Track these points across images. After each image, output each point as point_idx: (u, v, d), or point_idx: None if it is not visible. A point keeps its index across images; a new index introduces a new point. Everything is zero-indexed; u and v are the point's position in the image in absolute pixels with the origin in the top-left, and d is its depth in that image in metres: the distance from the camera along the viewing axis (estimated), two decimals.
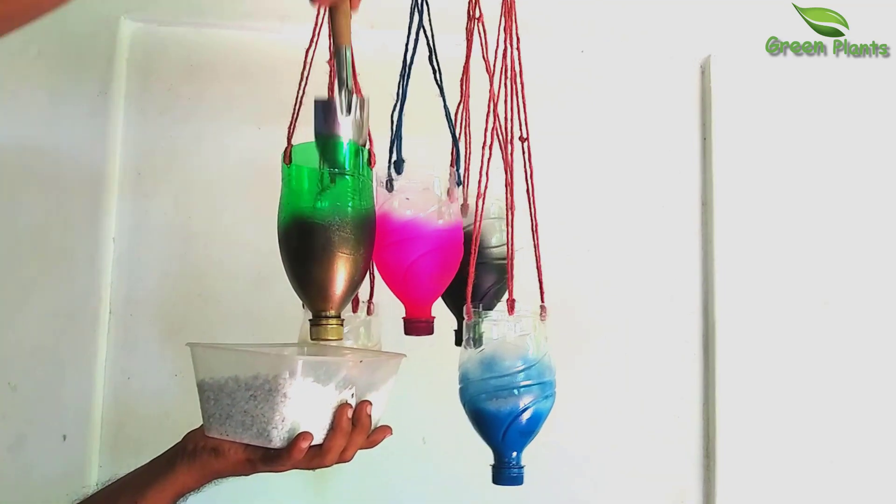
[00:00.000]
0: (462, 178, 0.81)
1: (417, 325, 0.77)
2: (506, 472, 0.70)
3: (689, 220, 1.25)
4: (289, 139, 0.72)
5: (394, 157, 0.78)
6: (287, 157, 0.71)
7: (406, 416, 1.16)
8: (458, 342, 0.79)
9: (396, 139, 0.78)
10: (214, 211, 1.19)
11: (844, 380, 1.21)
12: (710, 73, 1.25)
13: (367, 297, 0.83)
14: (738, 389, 1.19)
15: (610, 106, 1.26)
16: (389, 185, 0.75)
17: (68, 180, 1.17)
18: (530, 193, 0.77)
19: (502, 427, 0.69)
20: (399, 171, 0.76)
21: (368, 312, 0.84)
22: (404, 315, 0.78)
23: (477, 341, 0.71)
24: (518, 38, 0.77)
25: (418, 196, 0.75)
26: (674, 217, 1.24)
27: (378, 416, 0.74)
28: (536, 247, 0.76)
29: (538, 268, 0.76)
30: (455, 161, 0.81)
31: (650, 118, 1.26)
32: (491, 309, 0.75)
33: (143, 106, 1.21)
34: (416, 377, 1.14)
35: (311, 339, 0.71)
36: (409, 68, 0.81)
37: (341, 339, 0.72)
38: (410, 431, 1.17)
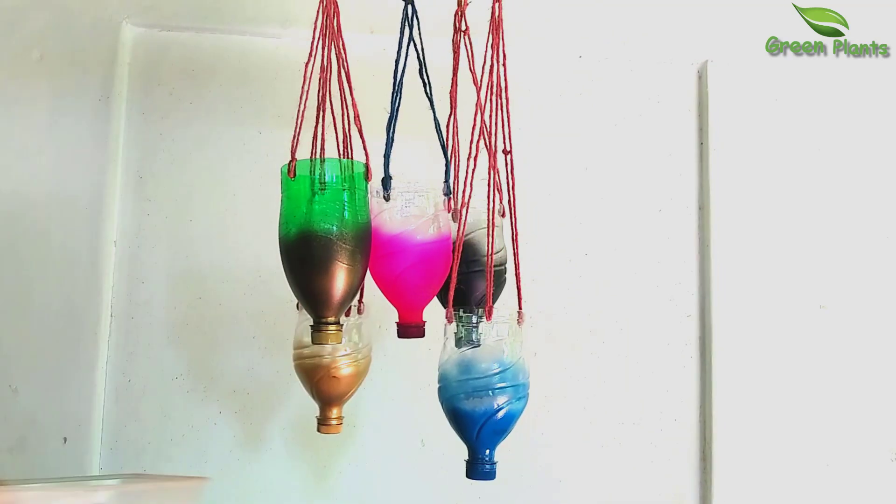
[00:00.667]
0: (452, 189, 0.84)
1: (409, 329, 0.81)
2: (479, 468, 0.73)
3: (686, 224, 1.25)
4: (292, 153, 0.73)
5: (382, 174, 0.79)
6: (291, 171, 0.72)
7: (405, 419, 1.18)
8: (458, 345, 0.82)
9: (385, 157, 0.79)
10: (215, 214, 1.20)
11: (841, 383, 1.21)
12: (708, 77, 1.26)
13: (358, 299, 0.86)
14: (736, 392, 1.20)
15: (608, 110, 1.27)
16: (386, 196, 0.78)
17: (70, 183, 1.17)
18: (511, 204, 0.80)
19: (477, 426, 0.72)
20: (387, 187, 0.78)
21: (359, 312, 0.87)
22: (397, 320, 0.81)
23: (461, 341, 0.73)
24: (505, 56, 0.78)
25: (407, 209, 0.78)
26: (671, 221, 1.25)
27: None
28: (516, 255, 0.79)
29: (517, 275, 0.79)
30: (445, 172, 0.84)
31: (648, 122, 1.27)
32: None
33: (145, 110, 1.21)
34: (414, 380, 1.15)
35: (313, 343, 0.74)
36: (401, 83, 0.83)
37: (339, 342, 0.76)
38: (409, 434, 1.18)
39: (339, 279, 0.72)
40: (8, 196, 1.17)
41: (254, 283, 1.18)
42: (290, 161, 0.73)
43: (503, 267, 0.84)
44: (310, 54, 0.75)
